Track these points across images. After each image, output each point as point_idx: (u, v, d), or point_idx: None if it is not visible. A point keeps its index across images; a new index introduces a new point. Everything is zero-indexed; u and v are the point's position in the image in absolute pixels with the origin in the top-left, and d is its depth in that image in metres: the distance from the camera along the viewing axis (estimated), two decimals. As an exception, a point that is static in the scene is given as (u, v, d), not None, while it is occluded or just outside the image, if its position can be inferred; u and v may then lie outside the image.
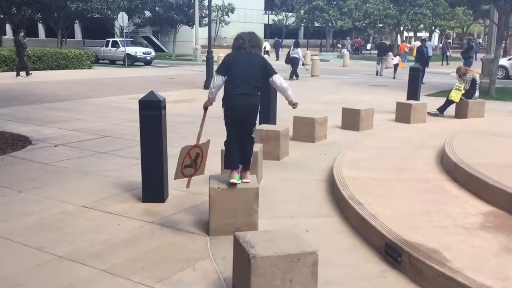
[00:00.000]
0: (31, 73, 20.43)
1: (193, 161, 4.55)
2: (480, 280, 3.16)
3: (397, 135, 8.40)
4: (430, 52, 31.39)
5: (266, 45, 41.87)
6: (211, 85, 4.59)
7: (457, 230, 4.02)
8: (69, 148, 7.69)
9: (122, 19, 29.58)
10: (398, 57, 25.88)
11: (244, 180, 4.42)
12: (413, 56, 32.11)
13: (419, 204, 4.65)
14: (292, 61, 21.02)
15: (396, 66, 23.44)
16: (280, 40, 43.44)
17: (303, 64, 22.93)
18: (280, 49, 42.01)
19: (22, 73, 20.01)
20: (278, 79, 4.53)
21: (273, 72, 4.46)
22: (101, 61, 31.67)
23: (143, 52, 31.49)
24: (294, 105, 4.83)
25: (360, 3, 50.74)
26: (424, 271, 3.43)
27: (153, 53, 32.60)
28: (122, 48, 30.82)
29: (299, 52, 21.16)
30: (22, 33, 20.49)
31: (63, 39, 37.13)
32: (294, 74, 20.88)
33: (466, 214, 4.42)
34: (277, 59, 39.35)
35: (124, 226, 4.53)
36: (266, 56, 35.08)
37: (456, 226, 4.10)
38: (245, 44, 4.42)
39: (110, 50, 31.92)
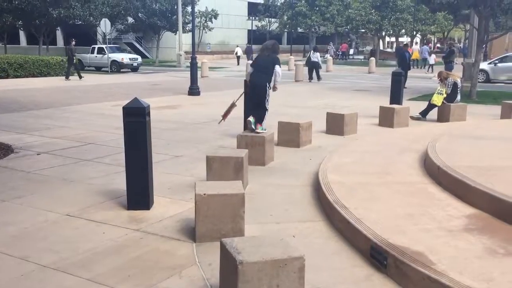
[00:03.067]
0: (69, 79, 23.04)
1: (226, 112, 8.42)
2: (465, 282, 3.19)
3: (381, 139, 8.47)
4: (432, 60, 32.20)
5: (238, 50, 42.58)
6: (246, 73, 8.78)
7: (441, 233, 4.06)
8: (52, 156, 7.61)
9: (104, 25, 29.35)
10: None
11: (257, 130, 7.27)
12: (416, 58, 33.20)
13: (404, 208, 4.69)
14: (314, 65, 23.87)
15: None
16: (251, 46, 44.46)
17: (320, 68, 25.00)
18: (252, 54, 43.02)
19: (72, 77, 23.19)
20: (279, 69, 7.63)
21: (278, 64, 7.60)
22: (86, 68, 31.20)
23: (130, 59, 31.23)
24: (275, 89, 7.82)
25: (343, 8, 51.20)
26: (410, 274, 3.46)
27: (139, 59, 32.33)
28: (108, 55, 30.49)
29: (318, 56, 23.96)
30: (73, 42, 23.83)
31: (45, 46, 36.82)
32: (317, 76, 23.89)
33: (450, 216, 4.47)
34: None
35: (109, 234, 4.49)
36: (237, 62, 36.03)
37: (440, 229, 4.14)
38: (264, 49, 7.73)
39: (96, 56, 31.51)
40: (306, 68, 24.18)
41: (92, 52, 31.77)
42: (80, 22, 35.71)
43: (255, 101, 7.59)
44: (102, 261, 3.95)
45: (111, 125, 10.36)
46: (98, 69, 31.54)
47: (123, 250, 4.16)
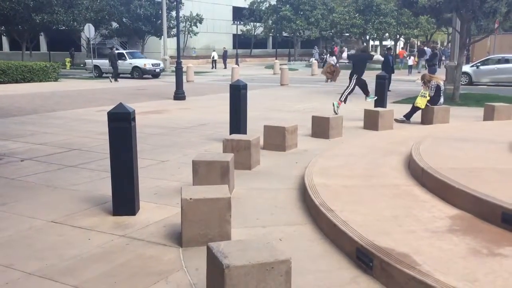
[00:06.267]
0: (118, 80, 26.57)
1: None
2: (450, 283, 3.23)
3: (366, 142, 8.53)
4: (411, 62, 33.65)
5: (214, 54, 43.02)
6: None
7: (426, 234, 4.10)
8: (36, 162, 7.54)
9: (88, 30, 29.18)
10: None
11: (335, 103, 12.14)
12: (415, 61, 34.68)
13: (389, 210, 4.73)
14: None
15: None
16: (227, 50, 45.01)
17: None
18: (227, 59, 44.10)
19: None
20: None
21: (370, 57, 13.33)
22: (104, 75, 29.97)
23: (152, 64, 29.53)
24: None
25: (327, 13, 51.56)
26: (395, 275, 3.49)
27: (162, 65, 30.86)
28: (129, 61, 29.38)
29: (334, 59, 24.58)
30: (115, 48, 28.02)
31: (28, 51, 36.49)
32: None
33: (434, 218, 4.52)
34: (225, 67, 41.41)
35: (94, 241, 4.46)
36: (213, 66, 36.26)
37: (425, 230, 4.19)
38: (357, 50, 15.39)
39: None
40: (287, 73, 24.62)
41: None
42: (63, 27, 35.47)
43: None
44: (88, 267, 3.93)
45: (96, 130, 10.30)
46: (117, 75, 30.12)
47: (109, 256, 4.14)
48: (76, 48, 46.54)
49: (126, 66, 29.52)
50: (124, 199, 5.07)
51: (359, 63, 12.79)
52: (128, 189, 5.05)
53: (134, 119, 5.06)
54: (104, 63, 30.07)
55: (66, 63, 39.88)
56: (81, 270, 3.88)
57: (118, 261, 4.04)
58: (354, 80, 12.43)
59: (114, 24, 42.77)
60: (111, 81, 26.10)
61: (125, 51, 31.26)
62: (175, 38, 21.81)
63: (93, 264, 3.99)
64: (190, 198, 4.28)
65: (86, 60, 33.46)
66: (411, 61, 34.54)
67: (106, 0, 39.40)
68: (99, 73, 29.73)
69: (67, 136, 9.79)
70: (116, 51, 26.54)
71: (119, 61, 29.53)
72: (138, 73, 29.03)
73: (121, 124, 4.95)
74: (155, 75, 29.69)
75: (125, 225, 4.85)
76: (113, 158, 5.03)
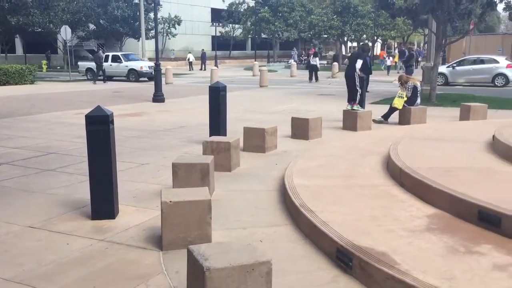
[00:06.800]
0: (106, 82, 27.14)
1: None
2: (428, 281, 3.28)
3: (345, 143, 8.60)
4: (389, 62, 34.33)
5: (190, 56, 43.01)
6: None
7: (404, 233, 4.15)
8: (13, 166, 7.41)
9: (65, 32, 28.79)
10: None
11: (351, 107, 11.16)
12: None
13: (368, 210, 4.78)
14: (312, 67, 27.38)
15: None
16: (205, 52, 45.00)
17: (318, 70, 27.91)
18: (205, 60, 44.01)
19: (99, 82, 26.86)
20: (359, 63, 11.28)
21: (359, 58, 11.53)
22: (99, 77, 28.91)
23: (149, 67, 27.74)
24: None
25: (305, 14, 51.81)
26: (374, 274, 3.53)
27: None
28: (125, 63, 28.58)
29: (317, 60, 27.46)
30: (101, 50, 28.45)
31: (4, 54, 35.87)
32: (315, 77, 27.00)
33: (412, 217, 4.58)
34: (204, 69, 41.77)
35: (73, 245, 4.41)
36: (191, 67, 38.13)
37: (403, 229, 4.24)
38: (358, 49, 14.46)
39: (111, 65, 29.08)
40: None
41: (106, 60, 29.20)
42: (39, 29, 34.97)
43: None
44: (67, 272, 3.88)
45: (74, 134, 10.18)
46: (110, 78, 28.82)
47: (88, 261, 4.09)
48: (52, 50, 45.95)
49: (122, 69, 28.78)
50: (103, 203, 5.02)
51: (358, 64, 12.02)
52: (107, 193, 5.00)
53: (112, 121, 5.02)
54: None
55: (43, 66, 39.32)
56: (59, 275, 3.83)
57: (97, 266, 4.00)
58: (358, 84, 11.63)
59: (91, 26, 42.32)
60: (94, 83, 26.23)
61: (120, 53, 30.40)
62: (153, 40, 21.71)
63: (72, 269, 3.95)
64: (170, 201, 4.26)
65: (79, 63, 32.34)
66: (389, 61, 35.04)
67: (83, 2, 39.01)
68: (92, 75, 28.61)
69: (44, 139, 9.65)
70: (103, 54, 26.67)
71: (114, 63, 29.10)
72: (134, 76, 28.29)
73: (99, 127, 4.90)
74: (151, 77, 28.74)
75: (104, 229, 4.80)
76: (92, 162, 4.98)
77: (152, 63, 29.48)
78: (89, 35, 43.58)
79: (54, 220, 5.04)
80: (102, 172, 4.96)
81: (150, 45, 38.91)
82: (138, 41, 39.18)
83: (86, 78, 29.30)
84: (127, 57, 29.70)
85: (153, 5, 19.22)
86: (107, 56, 29.76)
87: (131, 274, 3.85)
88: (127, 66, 28.67)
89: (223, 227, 4.79)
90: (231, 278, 3.02)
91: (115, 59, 29.26)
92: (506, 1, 25.09)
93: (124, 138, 9.57)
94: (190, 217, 4.28)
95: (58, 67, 43.23)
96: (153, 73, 28.38)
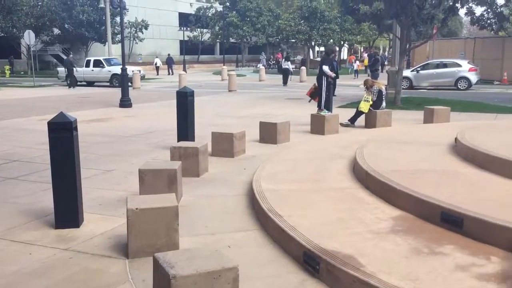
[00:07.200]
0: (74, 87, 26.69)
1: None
2: (393, 282, 3.32)
3: (312, 147, 8.67)
4: (356, 67, 34.57)
5: (157, 61, 42.83)
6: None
7: (370, 236, 4.21)
8: (-28, 175, 7.20)
9: (28, 37, 28.16)
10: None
11: (319, 112, 11.38)
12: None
13: (335, 213, 4.82)
14: (284, 71, 27.90)
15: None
16: (172, 57, 44.82)
17: (291, 74, 28.53)
18: (173, 65, 43.82)
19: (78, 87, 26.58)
20: (325, 68, 11.64)
21: (324, 64, 11.77)
22: (79, 82, 28.49)
23: (133, 71, 26.93)
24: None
25: (273, 19, 52.11)
26: (341, 277, 3.56)
27: (142, 71, 29.60)
28: (107, 68, 27.79)
29: (289, 64, 28.04)
30: (71, 55, 28.59)
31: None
32: (285, 81, 27.39)
33: (378, 219, 4.64)
34: (172, 74, 41.59)
35: (36, 255, 4.30)
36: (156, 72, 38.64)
37: (369, 232, 4.29)
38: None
39: (93, 70, 28.47)
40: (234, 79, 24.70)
41: (88, 65, 28.72)
42: (2, 34, 34.12)
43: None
44: (29, 283, 3.78)
45: (38, 140, 9.94)
46: (90, 84, 28.43)
47: (51, 271, 4.00)
48: (15, 55, 44.87)
49: (105, 74, 28.03)
50: (67, 211, 4.91)
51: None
52: (71, 201, 4.90)
53: (76, 128, 4.93)
54: (79, 71, 28.60)
55: (6, 71, 38.36)
56: (21, 286, 3.73)
57: (61, 276, 3.91)
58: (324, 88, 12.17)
59: (56, 30, 41.54)
60: (69, 88, 26.42)
61: (102, 58, 29.55)
62: (120, 44, 21.43)
63: (34, 279, 3.85)
64: (136, 208, 4.20)
65: (58, 69, 31.31)
66: (356, 65, 35.61)
67: (47, 6, 38.26)
68: (72, 81, 27.25)
69: (7, 147, 9.40)
70: (72, 58, 26.78)
71: (96, 68, 28.41)
72: (117, 80, 26.81)
73: (62, 134, 4.80)
74: None
75: (68, 238, 4.70)
76: (54, 169, 4.87)
77: (136, 68, 29.58)
78: (54, 40, 42.77)
79: (16, 230, 4.91)
80: (66, 180, 4.86)
81: (117, 49, 38.35)
82: (104, 45, 38.67)
83: (66, 83, 28.34)
84: (110, 62, 28.97)
85: (119, 9, 19.01)
86: (88, 61, 29.17)
87: (96, 284, 3.78)
88: (110, 71, 27.98)
89: (191, 234, 4.75)
90: (197, 285, 3.00)
91: (97, 64, 28.56)
92: (467, 6, 25.81)
93: (89, 145, 9.41)
94: (157, 224, 4.23)
95: (22, 72, 42.24)
96: None
